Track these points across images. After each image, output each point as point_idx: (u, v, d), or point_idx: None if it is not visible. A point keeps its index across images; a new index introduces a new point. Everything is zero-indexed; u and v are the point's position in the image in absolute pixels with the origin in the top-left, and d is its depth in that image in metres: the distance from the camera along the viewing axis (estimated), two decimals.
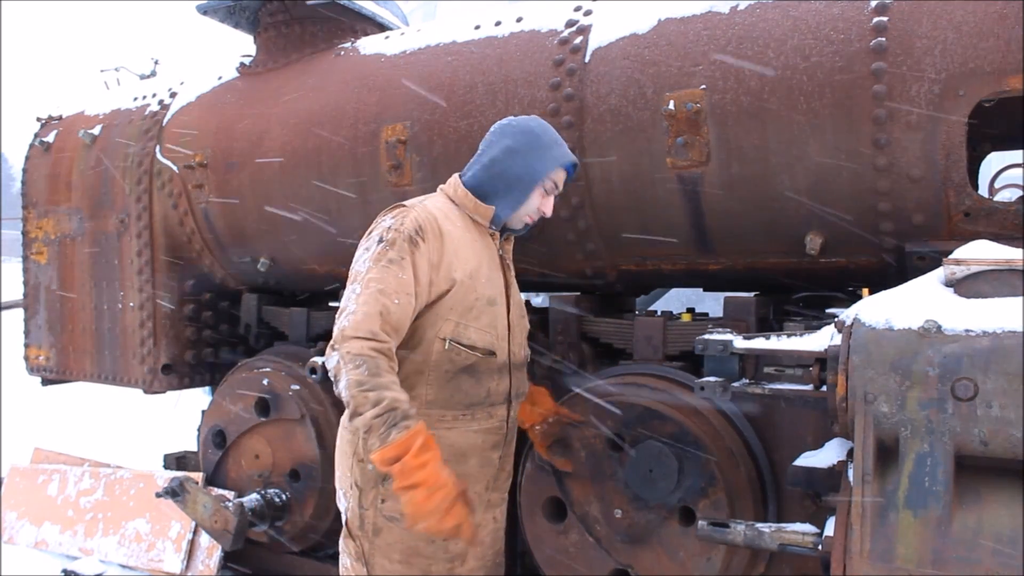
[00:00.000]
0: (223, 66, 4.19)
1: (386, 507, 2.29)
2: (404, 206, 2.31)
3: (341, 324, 2.13)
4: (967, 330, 1.65)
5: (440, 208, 2.34)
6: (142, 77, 5.03)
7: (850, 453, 1.85)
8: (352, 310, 2.13)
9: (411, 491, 1.99)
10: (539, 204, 2.42)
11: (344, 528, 2.43)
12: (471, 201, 2.37)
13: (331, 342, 2.15)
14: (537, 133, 2.40)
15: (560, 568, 2.95)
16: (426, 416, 2.23)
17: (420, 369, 2.25)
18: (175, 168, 4.01)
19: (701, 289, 3.35)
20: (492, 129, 2.48)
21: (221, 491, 3.83)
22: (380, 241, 2.20)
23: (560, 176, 2.46)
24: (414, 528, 2.05)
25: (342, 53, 3.71)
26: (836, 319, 1.93)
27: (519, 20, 3.22)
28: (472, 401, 2.31)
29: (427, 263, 2.20)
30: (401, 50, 3.47)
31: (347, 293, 2.20)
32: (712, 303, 4.16)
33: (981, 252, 1.87)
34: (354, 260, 2.28)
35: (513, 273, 2.52)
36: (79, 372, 4.48)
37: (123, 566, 4.18)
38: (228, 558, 3.98)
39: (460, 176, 2.47)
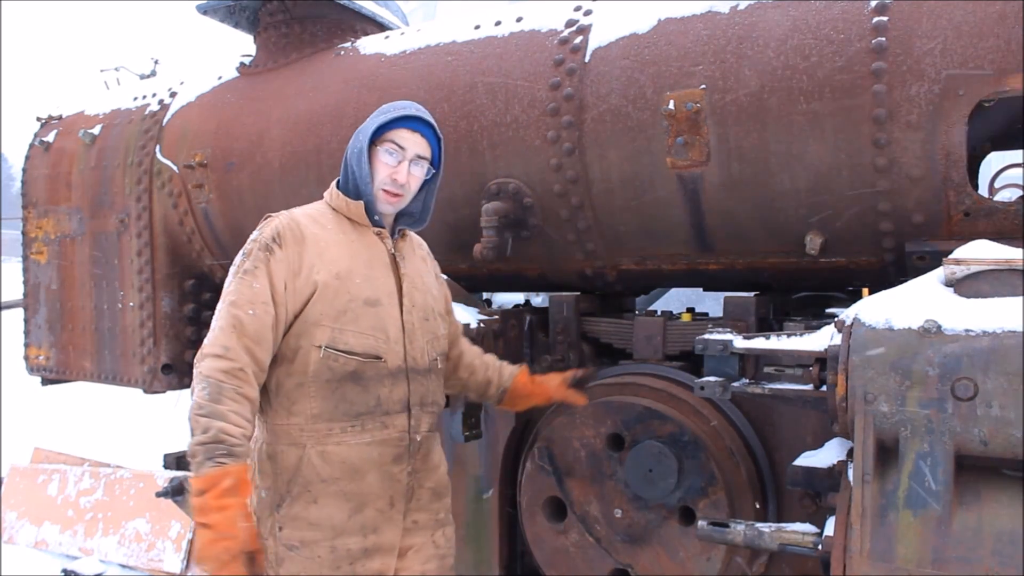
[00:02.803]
0: (223, 66, 4.19)
1: (284, 535, 2.14)
2: (271, 215, 2.23)
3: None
4: (967, 330, 1.65)
5: (309, 213, 2.24)
6: (142, 77, 5.03)
7: (850, 453, 1.85)
8: (212, 327, 2.10)
9: (202, 529, 1.94)
10: (389, 172, 2.23)
11: None
12: (342, 200, 2.25)
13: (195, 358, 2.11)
14: (381, 108, 2.28)
15: (560, 568, 2.95)
16: (312, 432, 2.13)
17: (301, 382, 2.13)
18: (175, 168, 4.01)
19: (701, 289, 3.36)
20: None
21: None
22: (243, 254, 2.16)
23: (401, 135, 2.24)
24: (198, 565, 1.99)
25: (342, 53, 3.72)
26: (836, 319, 1.93)
27: (519, 20, 3.22)
28: (360, 411, 2.16)
29: (285, 269, 2.11)
30: (401, 50, 3.47)
31: (216, 310, 2.14)
32: (712, 303, 4.16)
33: (981, 252, 1.87)
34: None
35: (413, 273, 2.34)
36: (79, 372, 4.48)
37: (123, 566, 4.19)
38: None
39: (338, 179, 2.34)
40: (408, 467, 2.24)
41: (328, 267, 2.15)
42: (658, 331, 3.00)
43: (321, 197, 2.36)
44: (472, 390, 2.65)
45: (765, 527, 2.08)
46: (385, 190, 2.24)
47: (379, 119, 2.24)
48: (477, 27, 3.32)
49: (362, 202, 2.23)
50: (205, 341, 2.08)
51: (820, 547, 1.93)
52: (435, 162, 2.33)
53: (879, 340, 1.72)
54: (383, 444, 2.20)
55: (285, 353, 2.14)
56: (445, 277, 3.01)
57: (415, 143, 2.26)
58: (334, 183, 2.33)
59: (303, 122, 3.56)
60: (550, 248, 3.14)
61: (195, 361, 2.07)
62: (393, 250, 2.30)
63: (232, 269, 2.16)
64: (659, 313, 3.17)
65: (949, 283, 1.85)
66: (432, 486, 2.34)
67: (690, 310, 3.19)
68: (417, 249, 2.44)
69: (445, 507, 2.39)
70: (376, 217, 2.28)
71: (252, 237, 2.18)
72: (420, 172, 2.28)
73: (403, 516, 2.25)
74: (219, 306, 2.12)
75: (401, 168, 2.24)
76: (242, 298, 2.07)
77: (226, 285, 2.14)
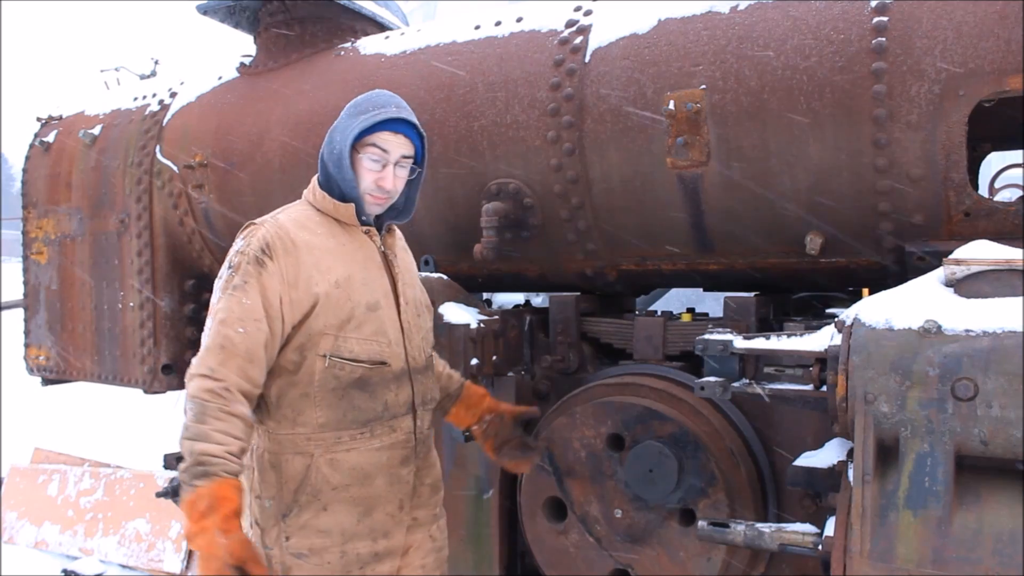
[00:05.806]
0: (223, 66, 4.19)
1: (292, 544, 2.10)
2: (255, 224, 2.11)
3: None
4: (967, 330, 1.65)
5: (295, 218, 2.13)
6: (142, 77, 5.03)
7: (850, 453, 1.85)
8: (202, 344, 2.02)
9: (196, 553, 1.97)
10: (374, 178, 2.13)
11: None
12: (329, 203, 2.15)
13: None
14: (356, 103, 2.14)
15: (560, 568, 2.95)
16: (320, 440, 2.08)
17: (306, 392, 2.07)
18: (175, 168, 4.01)
19: (701, 289, 3.36)
20: None
21: None
22: (229, 267, 2.05)
23: (384, 139, 2.12)
24: None
25: (342, 53, 3.72)
26: (836, 319, 1.93)
27: (519, 20, 3.22)
28: (368, 417, 2.12)
29: (279, 281, 2.02)
30: (401, 50, 3.47)
31: (205, 328, 2.06)
32: (712, 303, 4.16)
33: (981, 252, 1.87)
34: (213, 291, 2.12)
35: (403, 268, 2.29)
36: (79, 372, 4.48)
37: (123, 566, 4.19)
38: None
39: (317, 177, 2.23)
40: (414, 467, 2.24)
41: (326, 276, 2.07)
42: (658, 331, 3.00)
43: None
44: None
45: (765, 527, 2.08)
46: (371, 195, 2.17)
47: (359, 122, 2.10)
48: (477, 27, 3.32)
49: (352, 204, 2.15)
50: (193, 360, 2.01)
51: (820, 547, 1.93)
52: (419, 159, 2.23)
53: (879, 340, 1.72)
54: (392, 448, 2.17)
55: (286, 365, 2.07)
56: (445, 277, 3.01)
57: (398, 145, 2.15)
58: (315, 181, 2.22)
59: (303, 122, 3.55)
60: (550, 248, 3.14)
61: (186, 381, 2.02)
62: (383, 247, 2.25)
63: (219, 284, 2.06)
64: (659, 313, 3.17)
65: (949, 283, 1.85)
66: (431, 482, 2.34)
67: (690, 310, 3.19)
68: (399, 240, 2.37)
69: (440, 501, 2.39)
70: (364, 217, 2.22)
71: (237, 248, 2.08)
72: (405, 173, 2.20)
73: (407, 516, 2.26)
74: (208, 323, 2.04)
75: (387, 173, 2.14)
76: (232, 316, 1.99)
77: (214, 301, 2.05)
